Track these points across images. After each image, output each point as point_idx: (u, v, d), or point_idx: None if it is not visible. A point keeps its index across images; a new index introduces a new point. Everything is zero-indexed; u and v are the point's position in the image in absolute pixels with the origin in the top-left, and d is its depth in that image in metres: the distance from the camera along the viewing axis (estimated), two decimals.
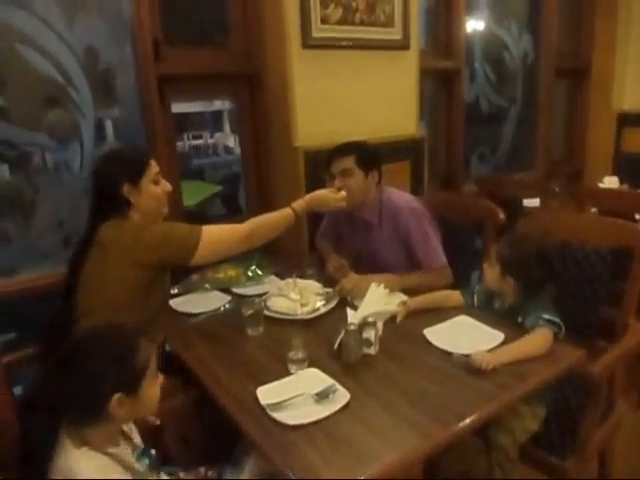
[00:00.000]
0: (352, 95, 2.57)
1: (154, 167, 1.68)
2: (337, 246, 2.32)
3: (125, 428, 1.22)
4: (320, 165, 2.45)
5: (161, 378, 1.19)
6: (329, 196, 1.91)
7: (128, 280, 1.58)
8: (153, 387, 1.16)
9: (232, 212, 3.38)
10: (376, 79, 2.64)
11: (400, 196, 2.17)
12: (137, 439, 1.25)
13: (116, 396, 1.07)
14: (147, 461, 1.22)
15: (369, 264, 2.16)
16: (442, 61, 3.31)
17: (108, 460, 1.10)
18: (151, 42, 2.21)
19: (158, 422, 1.29)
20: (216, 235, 1.65)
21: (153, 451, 1.25)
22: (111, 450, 1.12)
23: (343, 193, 1.93)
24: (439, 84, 3.42)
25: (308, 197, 1.87)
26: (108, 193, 1.62)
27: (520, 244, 1.74)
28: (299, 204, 1.83)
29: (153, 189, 1.67)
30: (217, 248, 1.65)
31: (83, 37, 2.12)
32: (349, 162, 2.04)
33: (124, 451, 1.17)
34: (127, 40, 2.24)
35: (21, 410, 1.18)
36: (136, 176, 1.63)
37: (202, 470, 1.41)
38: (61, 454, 1.08)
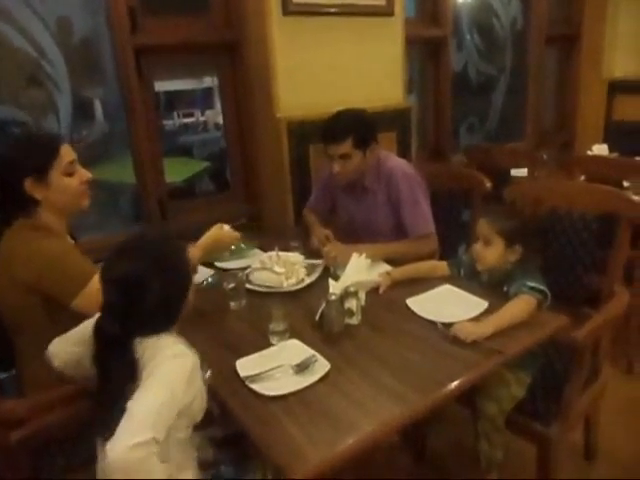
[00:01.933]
0: (336, 64, 2.51)
1: (66, 156, 1.45)
2: (330, 216, 2.30)
3: None
4: (304, 136, 2.42)
5: None
6: (224, 235, 1.78)
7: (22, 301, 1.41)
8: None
9: (220, 188, 3.33)
10: (360, 47, 2.58)
11: (395, 160, 2.17)
12: None
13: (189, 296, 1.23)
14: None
15: (361, 232, 2.16)
16: (429, 29, 3.24)
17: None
18: (126, 11, 2.15)
19: None
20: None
21: None
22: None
23: (237, 234, 1.84)
24: (426, 53, 3.36)
25: (203, 243, 1.70)
26: (7, 190, 1.41)
27: (511, 213, 1.73)
28: (194, 254, 1.61)
29: (66, 182, 1.45)
30: (98, 305, 1.23)
31: (55, 6, 2.05)
32: (346, 147, 2.00)
33: None
34: (101, 9, 2.17)
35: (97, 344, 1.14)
36: (41, 169, 1.41)
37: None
38: (148, 345, 1.12)
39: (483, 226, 1.70)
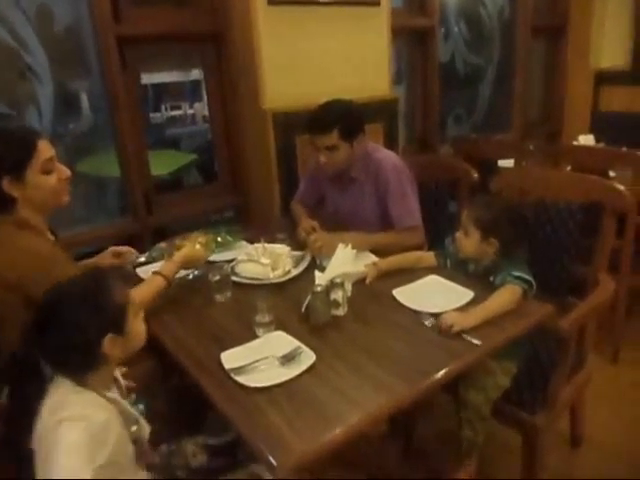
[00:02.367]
0: (321, 54, 2.49)
1: (43, 153, 1.40)
2: (318, 208, 2.29)
3: (116, 375, 1.24)
4: (290, 127, 2.41)
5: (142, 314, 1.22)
6: (199, 252, 1.78)
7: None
8: (138, 321, 1.19)
9: (208, 180, 3.31)
10: (346, 37, 2.56)
11: (384, 152, 2.16)
12: (122, 384, 1.27)
13: (107, 337, 1.09)
14: (141, 407, 1.24)
15: (347, 223, 2.15)
16: (416, 18, 3.23)
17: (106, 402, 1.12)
18: (109, 0, 2.11)
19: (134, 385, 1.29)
20: None
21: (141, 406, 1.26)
22: (108, 394, 1.14)
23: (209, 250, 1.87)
24: (413, 43, 3.35)
25: (178, 258, 1.68)
26: None
27: (491, 204, 1.72)
28: (169, 268, 1.63)
29: (44, 180, 1.41)
30: None
31: None
32: (332, 138, 1.98)
33: (118, 397, 1.19)
34: None
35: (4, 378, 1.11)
36: (18, 168, 1.37)
37: (163, 448, 1.37)
38: (58, 391, 1.08)
39: (464, 216, 1.72)
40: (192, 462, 1.36)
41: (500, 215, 1.67)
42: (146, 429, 1.22)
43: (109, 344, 1.09)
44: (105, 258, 1.86)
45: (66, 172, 1.48)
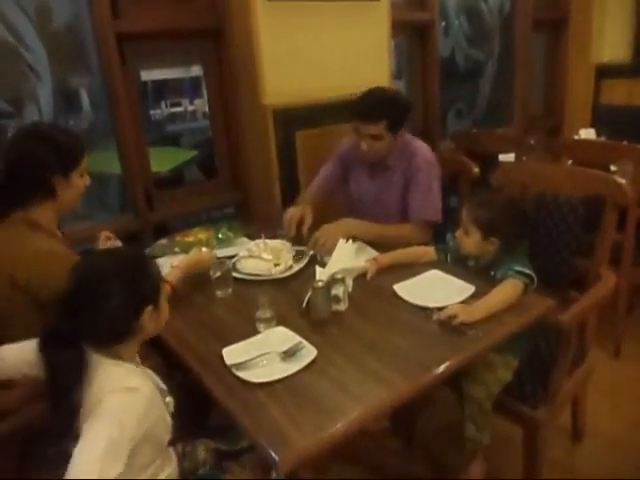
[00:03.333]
0: (321, 49, 2.48)
1: (86, 160, 1.54)
2: (337, 192, 2.28)
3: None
4: (290, 122, 2.40)
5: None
6: (204, 258, 1.78)
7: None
8: (165, 298, 1.23)
9: (208, 176, 3.32)
10: (346, 32, 2.55)
11: (419, 143, 2.16)
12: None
13: (148, 309, 1.13)
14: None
15: (368, 209, 2.15)
16: (415, 12, 3.21)
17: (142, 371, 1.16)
18: None
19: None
20: None
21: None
22: (140, 367, 1.18)
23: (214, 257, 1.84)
24: (413, 38, 3.33)
25: (184, 265, 1.70)
26: (33, 179, 1.43)
27: (491, 204, 1.71)
28: (174, 274, 1.64)
29: (80, 183, 1.53)
30: None
31: None
32: (379, 128, 1.97)
33: (148, 370, 1.22)
34: None
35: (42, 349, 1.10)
36: (70, 167, 1.48)
37: (179, 447, 1.36)
38: (98, 369, 1.09)
39: (463, 215, 1.71)
40: (201, 470, 1.36)
41: (500, 214, 1.67)
42: (172, 404, 1.23)
43: (147, 316, 1.13)
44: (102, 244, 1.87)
45: (88, 180, 1.58)
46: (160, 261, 1.99)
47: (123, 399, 1.04)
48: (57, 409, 1.06)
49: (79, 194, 1.55)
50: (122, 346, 1.13)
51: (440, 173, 2.13)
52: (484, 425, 1.66)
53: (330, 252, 1.77)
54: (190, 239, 2.08)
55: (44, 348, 1.09)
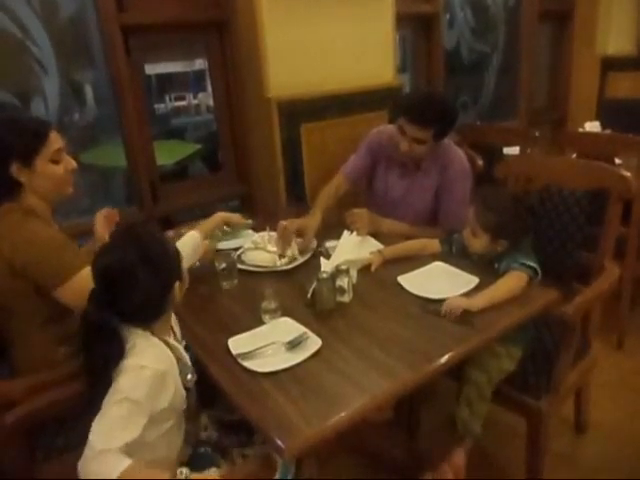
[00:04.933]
0: (326, 42, 2.48)
1: (54, 143, 1.44)
2: (361, 184, 2.28)
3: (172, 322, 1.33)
4: (295, 115, 2.41)
5: None
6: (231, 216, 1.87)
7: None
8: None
9: (213, 170, 3.33)
10: (351, 24, 2.54)
11: (456, 151, 2.13)
12: (178, 330, 1.36)
13: (176, 285, 1.22)
14: (190, 355, 1.32)
15: (393, 207, 2.16)
16: (420, 4, 3.20)
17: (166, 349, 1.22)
18: None
19: None
20: (86, 286, 1.20)
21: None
22: (170, 341, 1.26)
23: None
24: (417, 30, 3.33)
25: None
26: None
27: (497, 206, 1.67)
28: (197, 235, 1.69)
29: (51, 169, 1.44)
30: (80, 299, 1.23)
31: None
32: (426, 134, 1.95)
33: (175, 343, 1.29)
34: None
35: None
36: (29, 154, 1.40)
37: (235, 452, 1.37)
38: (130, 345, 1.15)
39: (470, 214, 1.70)
40: (202, 435, 1.38)
41: (507, 217, 1.65)
42: (193, 380, 1.29)
43: (177, 290, 1.22)
44: (101, 227, 1.76)
45: (72, 164, 1.51)
46: None
47: (131, 377, 1.11)
48: (95, 388, 1.13)
49: (57, 180, 1.47)
50: (157, 322, 1.21)
51: (472, 180, 2.12)
52: (478, 411, 1.64)
53: (361, 233, 1.86)
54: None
55: (85, 337, 1.15)
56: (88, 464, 1.04)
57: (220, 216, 1.82)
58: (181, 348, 1.29)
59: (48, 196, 1.49)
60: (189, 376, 1.27)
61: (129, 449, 1.06)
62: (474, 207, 1.71)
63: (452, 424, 1.68)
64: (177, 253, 1.24)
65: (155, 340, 1.19)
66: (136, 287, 1.12)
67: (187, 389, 1.26)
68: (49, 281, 1.38)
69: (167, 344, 1.23)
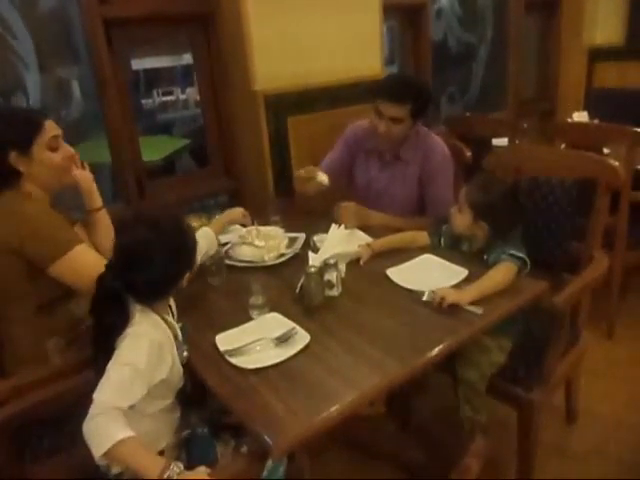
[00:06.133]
0: (312, 34, 2.46)
1: (50, 131, 1.46)
2: (340, 176, 2.24)
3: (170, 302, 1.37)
4: (281, 108, 2.38)
5: None
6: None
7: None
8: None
9: (201, 164, 3.30)
10: (337, 16, 2.52)
11: (435, 139, 2.14)
12: (175, 310, 1.39)
13: (187, 275, 1.28)
14: (184, 334, 1.35)
15: (376, 199, 2.15)
16: None
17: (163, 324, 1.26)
18: None
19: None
20: (81, 262, 1.39)
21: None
22: (168, 318, 1.30)
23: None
24: (405, 21, 3.31)
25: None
26: None
27: (489, 188, 1.70)
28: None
29: (49, 157, 1.46)
30: (75, 274, 1.40)
31: None
32: (403, 111, 1.95)
33: (174, 322, 1.34)
34: None
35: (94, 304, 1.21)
36: (25, 142, 1.42)
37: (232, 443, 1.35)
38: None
39: (461, 192, 1.72)
40: (199, 430, 1.37)
41: (495, 202, 1.66)
42: (186, 357, 1.32)
43: (186, 279, 1.28)
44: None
45: (70, 151, 1.53)
46: None
47: (131, 345, 1.16)
48: (100, 353, 1.19)
49: (55, 167, 1.48)
50: (158, 302, 1.26)
51: (454, 167, 2.13)
52: (479, 405, 1.67)
53: (350, 225, 1.86)
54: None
55: (96, 303, 1.20)
56: (94, 417, 1.06)
57: (240, 211, 1.90)
58: (177, 327, 1.32)
59: (47, 184, 1.50)
60: (185, 353, 1.30)
61: (132, 418, 1.10)
62: (467, 185, 1.72)
63: (449, 418, 1.69)
64: (195, 246, 1.29)
65: (154, 315, 1.24)
66: (149, 270, 1.18)
67: (183, 366, 1.29)
68: (46, 255, 1.39)
69: (165, 321, 1.27)
